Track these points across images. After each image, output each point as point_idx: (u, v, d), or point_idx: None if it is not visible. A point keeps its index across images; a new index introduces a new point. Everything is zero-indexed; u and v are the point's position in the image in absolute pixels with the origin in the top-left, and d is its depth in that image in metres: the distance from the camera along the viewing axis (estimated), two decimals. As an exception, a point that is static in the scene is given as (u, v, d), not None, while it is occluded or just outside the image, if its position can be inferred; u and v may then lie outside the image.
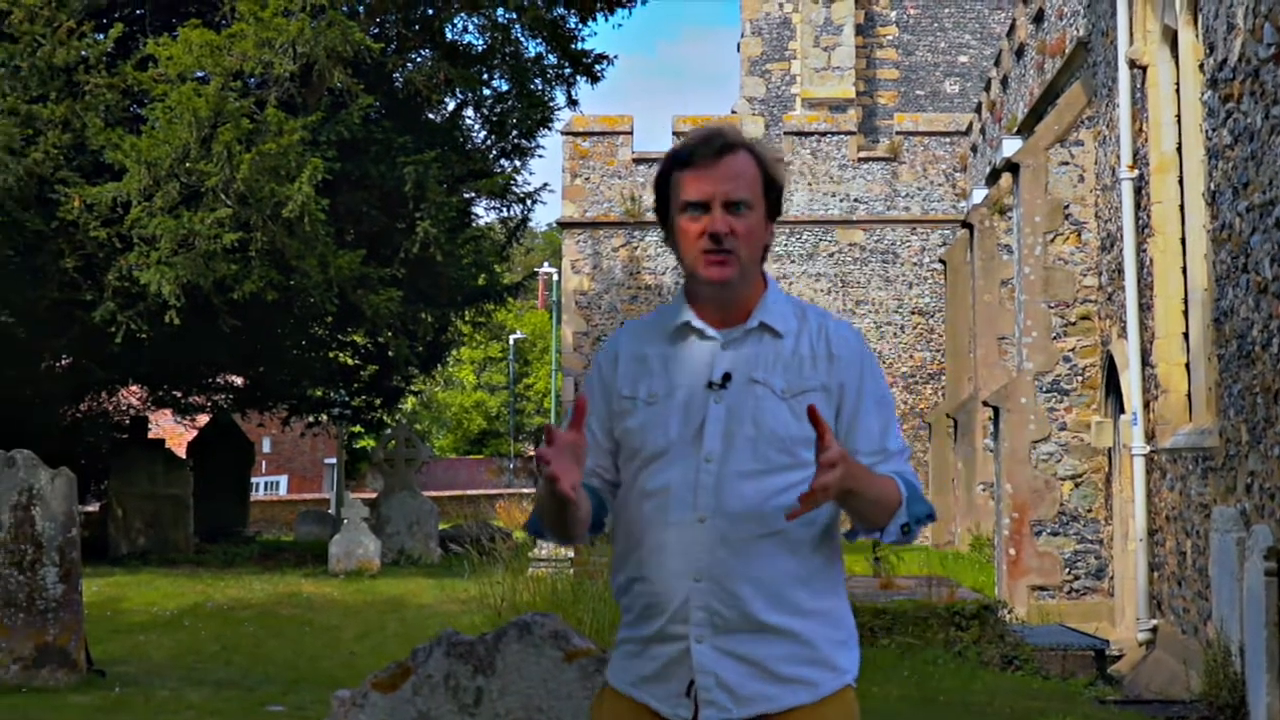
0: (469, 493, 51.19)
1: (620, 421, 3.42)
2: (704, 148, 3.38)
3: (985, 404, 22.30)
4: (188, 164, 18.42)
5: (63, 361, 23.66)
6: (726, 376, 3.33)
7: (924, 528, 3.43)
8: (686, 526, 3.28)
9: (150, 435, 27.27)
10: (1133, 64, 16.93)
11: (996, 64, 30.41)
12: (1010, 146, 21.74)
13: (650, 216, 29.90)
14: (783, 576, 3.28)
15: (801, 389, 3.33)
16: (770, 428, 3.30)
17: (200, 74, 19.28)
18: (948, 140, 35.94)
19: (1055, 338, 19.38)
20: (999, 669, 13.63)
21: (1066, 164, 19.55)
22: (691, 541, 3.28)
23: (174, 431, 35.54)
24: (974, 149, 34.19)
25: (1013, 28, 27.14)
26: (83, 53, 19.17)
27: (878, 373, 3.46)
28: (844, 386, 3.37)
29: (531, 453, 65.28)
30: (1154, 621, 16.33)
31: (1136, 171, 16.99)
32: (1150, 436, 16.68)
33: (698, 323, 3.40)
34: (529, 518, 3.57)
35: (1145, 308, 16.73)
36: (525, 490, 52.13)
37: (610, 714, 3.44)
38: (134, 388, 28.10)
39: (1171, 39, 15.99)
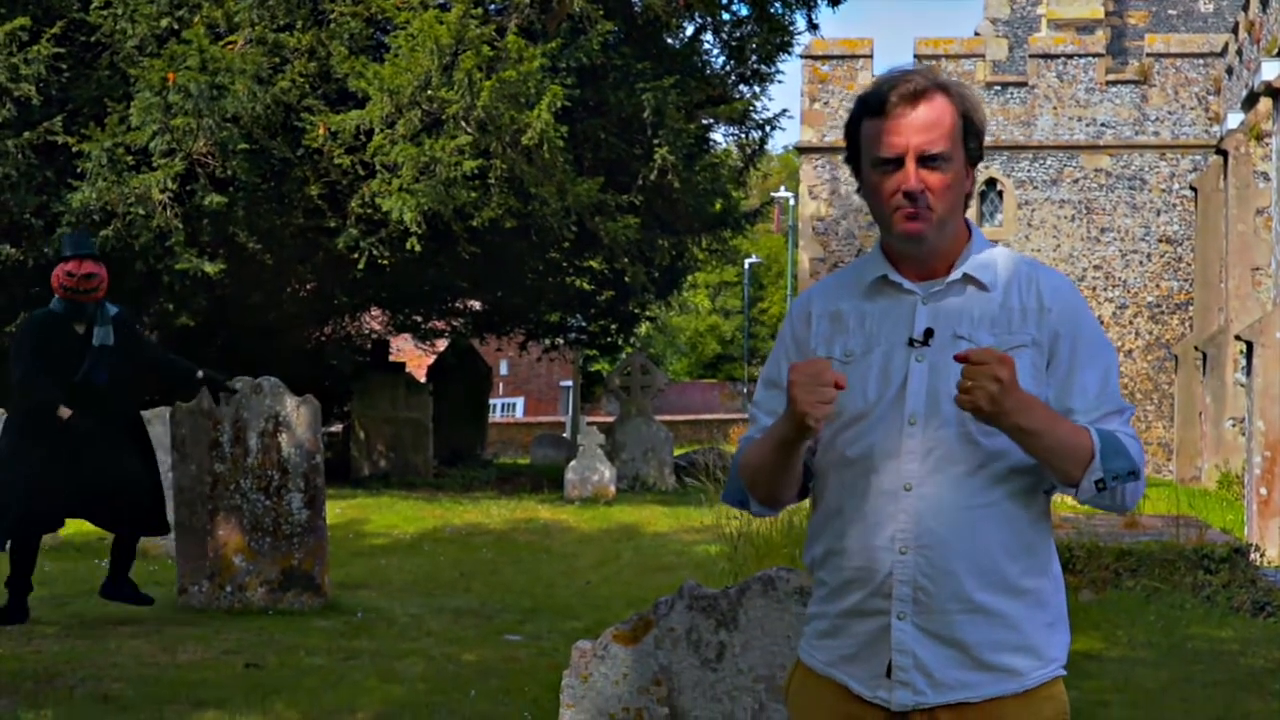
0: (703, 417, 51.26)
1: None
2: (896, 95, 3.09)
3: (1237, 338, 21.58)
4: (429, 91, 18.56)
5: (308, 287, 24.16)
6: (928, 333, 3.08)
7: (1129, 490, 3.05)
8: (891, 495, 3.06)
9: (391, 359, 27.78)
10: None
11: (1256, -18, 29.21)
12: (1270, 69, 20.94)
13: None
14: (995, 551, 3.04)
15: (1011, 344, 3.06)
16: None
17: (442, 1, 19.40)
18: (1201, 62, 34.61)
19: (1315, 270, 18.63)
20: (1250, 615, 13.11)
21: (1331, 88, 18.70)
22: (897, 511, 3.05)
23: (414, 355, 36.17)
24: (1229, 71, 32.91)
25: (1274, -56, 26.01)
26: (329, -19, 19.45)
27: (1094, 326, 3.18)
28: (1057, 339, 3.10)
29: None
30: None
31: None
32: None
33: (895, 276, 3.16)
34: (727, 487, 3.36)
35: None
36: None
37: (807, 695, 3.25)
38: (375, 312, 28.63)
39: None
